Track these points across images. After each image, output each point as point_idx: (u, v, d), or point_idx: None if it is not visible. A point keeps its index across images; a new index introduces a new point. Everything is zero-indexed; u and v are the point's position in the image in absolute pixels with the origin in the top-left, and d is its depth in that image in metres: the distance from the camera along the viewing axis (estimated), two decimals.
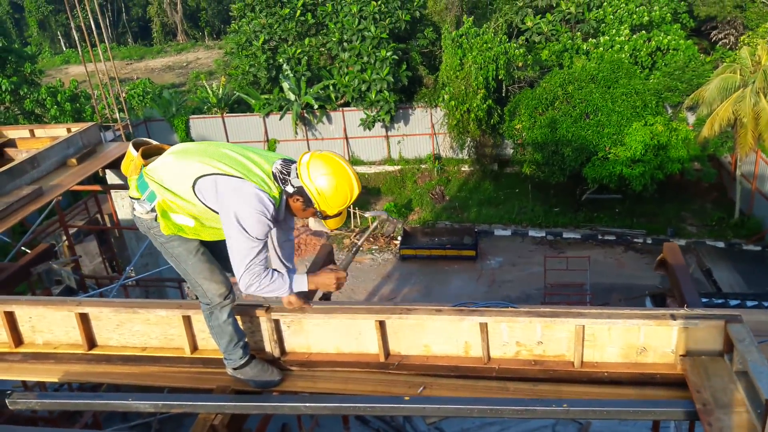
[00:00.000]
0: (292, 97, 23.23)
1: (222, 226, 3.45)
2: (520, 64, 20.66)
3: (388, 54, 21.54)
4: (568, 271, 16.74)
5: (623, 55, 20.00)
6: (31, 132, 8.56)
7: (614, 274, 17.74)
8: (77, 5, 10.65)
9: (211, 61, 38.61)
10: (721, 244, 18.41)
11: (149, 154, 3.71)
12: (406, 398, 3.58)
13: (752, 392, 3.15)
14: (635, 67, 19.87)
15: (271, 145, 24.19)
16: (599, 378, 3.66)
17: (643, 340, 3.64)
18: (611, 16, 21.52)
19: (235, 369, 3.99)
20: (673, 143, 17.55)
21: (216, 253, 3.91)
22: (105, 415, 7.57)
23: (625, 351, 3.67)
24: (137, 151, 3.68)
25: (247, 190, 3.35)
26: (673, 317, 3.54)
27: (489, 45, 20.18)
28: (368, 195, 23.21)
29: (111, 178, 8.76)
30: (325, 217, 3.53)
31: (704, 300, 9.94)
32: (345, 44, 22.35)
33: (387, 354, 4.07)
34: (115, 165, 8.23)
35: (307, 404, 3.65)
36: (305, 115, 23.67)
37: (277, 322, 4.17)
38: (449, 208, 21.50)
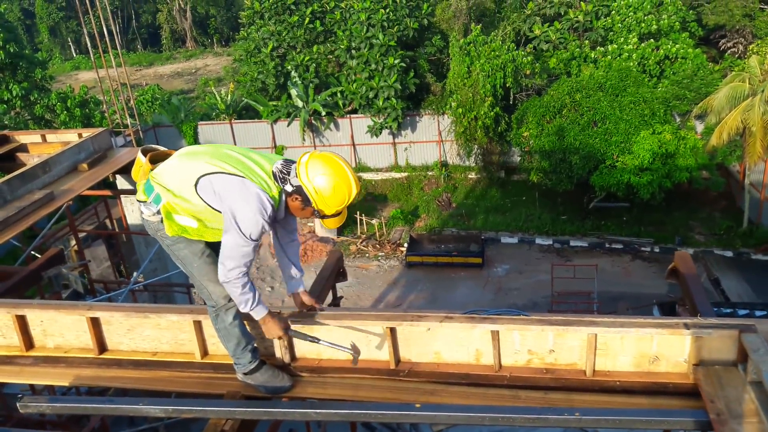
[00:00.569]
0: (300, 103, 23.31)
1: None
2: (528, 72, 20.67)
3: (396, 61, 21.60)
4: (576, 280, 16.68)
5: (631, 64, 19.99)
6: (43, 137, 8.62)
7: (622, 282, 17.67)
8: (90, 12, 10.74)
9: (220, 67, 38.84)
10: (729, 254, 18.32)
11: (157, 159, 3.78)
12: (417, 405, 3.57)
13: (766, 402, 3.13)
14: (643, 75, 19.85)
15: (279, 151, 24.27)
16: (611, 387, 3.64)
17: (656, 349, 3.62)
18: (619, 25, 21.52)
19: (245, 374, 4.00)
20: (681, 152, 17.51)
21: None
22: (112, 419, 7.57)
23: (638, 360, 3.65)
24: (145, 157, 3.75)
25: (248, 189, 3.39)
26: (687, 326, 3.52)
27: (497, 53, 20.22)
28: (375, 202, 23.23)
29: (121, 183, 8.81)
30: (323, 217, 3.55)
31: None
32: (353, 52, 22.43)
33: (397, 361, 4.06)
34: (125, 170, 8.27)
35: (318, 410, 3.64)
36: (313, 121, 23.74)
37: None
38: (456, 215, 21.48)
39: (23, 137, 8.72)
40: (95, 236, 14.36)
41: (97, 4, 10.72)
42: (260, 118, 24.41)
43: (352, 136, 24.02)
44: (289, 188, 3.48)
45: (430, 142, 23.70)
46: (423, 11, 23.12)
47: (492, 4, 24.42)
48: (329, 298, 5.81)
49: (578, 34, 22.22)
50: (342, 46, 22.58)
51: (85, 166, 7.92)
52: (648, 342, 3.58)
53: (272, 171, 3.51)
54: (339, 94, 23.31)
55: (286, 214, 3.67)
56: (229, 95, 26.28)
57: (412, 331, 3.98)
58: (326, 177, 3.40)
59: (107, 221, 12.43)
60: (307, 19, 23.67)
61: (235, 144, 24.01)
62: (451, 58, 21.53)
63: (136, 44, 50.65)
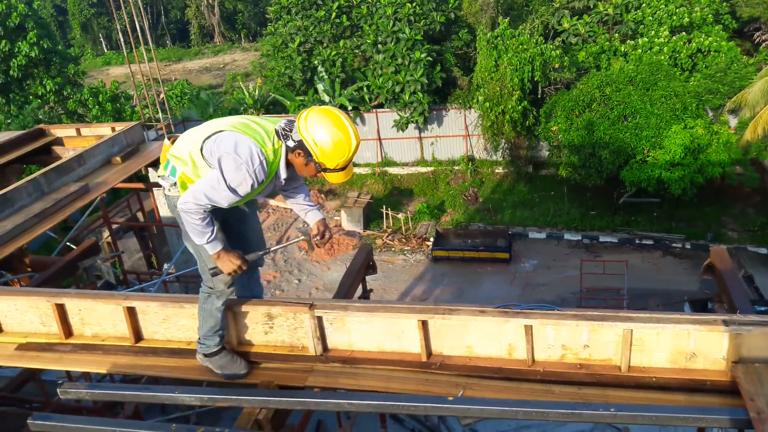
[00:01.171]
0: (326, 98, 23.38)
1: None
2: (557, 66, 20.41)
3: (423, 55, 21.51)
4: (605, 276, 16.47)
5: (662, 57, 19.61)
6: (78, 131, 8.80)
7: (652, 279, 17.40)
8: (122, 7, 10.91)
9: (248, 62, 39.12)
10: (763, 250, 17.91)
11: None
12: (450, 398, 3.57)
13: None
14: (675, 69, 19.45)
15: None
16: (647, 383, 3.60)
17: (693, 345, 3.57)
18: (650, 18, 21.12)
19: (206, 356, 4.12)
20: (713, 147, 17.14)
21: (243, 239, 4.09)
22: (145, 406, 7.73)
23: (674, 356, 3.61)
24: (170, 141, 3.90)
25: (241, 142, 3.45)
26: (725, 323, 3.46)
27: (525, 46, 20.00)
28: (401, 196, 23.22)
29: (153, 176, 8.95)
30: (326, 170, 3.57)
31: None
32: (379, 46, 22.40)
33: (429, 354, 4.07)
34: (157, 163, 8.41)
35: (351, 401, 3.66)
36: None
37: (320, 319, 4.21)
38: (482, 210, 21.35)
39: (58, 131, 8.92)
40: (126, 228, 14.60)
41: (130, 0, 10.89)
42: (287, 113, 24.52)
43: (378, 131, 24.03)
44: (291, 143, 3.53)
45: (457, 136, 23.57)
46: (450, 5, 22.96)
47: None
48: (359, 290, 5.85)
49: (608, 27, 21.86)
50: (368, 41, 22.56)
51: (118, 159, 8.07)
52: (685, 338, 3.53)
53: (275, 129, 3.58)
54: (365, 89, 23.31)
55: (290, 173, 3.72)
56: (257, 90, 26.48)
57: (444, 325, 3.99)
58: (325, 129, 3.43)
59: (139, 213, 12.65)
60: (334, 13, 23.69)
61: None
62: (479, 52, 21.37)
63: (165, 40, 51.31)
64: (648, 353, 3.64)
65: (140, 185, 9.66)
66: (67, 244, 9.45)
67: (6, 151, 8.09)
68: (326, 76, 23.34)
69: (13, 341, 4.94)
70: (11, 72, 21.91)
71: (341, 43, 23.71)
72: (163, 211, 9.85)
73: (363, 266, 5.64)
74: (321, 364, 4.22)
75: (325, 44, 24.00)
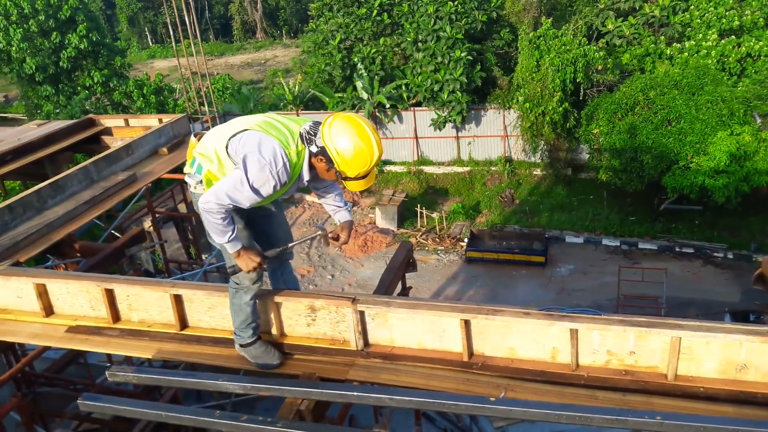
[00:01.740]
0: (365, 96, 23.46)
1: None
2: (600, 68, 20.08)
3: (463, 54, 21.40)
4: (643, 283, 16.17)
5: (710, 61, 19.10)
6: (126, 121, 9.05)
7: (691, 288, 17.01)
8: (173, 1, 11.15)
9: (288, 59, 39.50)
10: None
11: None
12: (492, 399, 3.57)
13: None
14: (722, 73, 18.93)
15: None
16: (694, 393, 3.54)
17: (744, 356, 3.49)
18: (698, 20, 20.59)
19: (241, 346, 4.23)
20: (761, 154, 16.64)
21: (269, 235, 4.15)
22: (182, 393, 7.90)
23: (724, 367, 3.53)
24: (196, 138, 3.97)
25: (265, 142, 3.46)
26: None
27: (567, 47, 19.72)
28: (436, 195, 23.17)
29: None
30: (346, 179, 3.57)
31: None
32: (419, 44, 22.36)
33: (470, 353, 4.07)
34: None
35: (393, 396, 3.68)
36: (377, 114, 23.85)
37: (362, 313, 4.24)
38: (519, 212, 21.16)
39: (108, 121, 9.17)
40: (166, 218, 14.91)
41: None
42: (326, 110, 24.69)
43: (415, 129, 24.00)
44: (314, 149, 3.53)
45: (495, 136, 23.40)
46: (492, 4, 22.79)
47: None
48: (398, 287, 5.87)
49: (653, 29, 21.40)
50: (409, 39, 22.54)
51: (165, 150, 8.26)
52: (736, 349, 3.46)
53: (300, 132, 3.58)
54: (404, 87, 23.31)
55: (314, 175, 3.73)
56: (297, 86, 26.72)
57: (487, 325, 3.98)
58: (348, 138, 3.41)
59: (181, 204, 12.90)
60: (375, 11, 23.74)
61: None
62: (520, 52, 21.15)
63: (209, 34, 52.19)
64: (696, 362, 3.57)
65: (183, 176, 9.84)
66: (111, 231, 9.71)
67: (59, 139, 8.36)
68: (365, 74, 23.41)
69: (63, 323, 5.12)
70: (61, 63, 22.60)
71: (381, 40, 23.75)
72: None
73: (403, 263, 5.66)
74: (362, 358, 4.26)
75: (365, 42, 24.08)
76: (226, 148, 3.61)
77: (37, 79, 23.04)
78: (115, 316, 4.99)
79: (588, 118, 19.46)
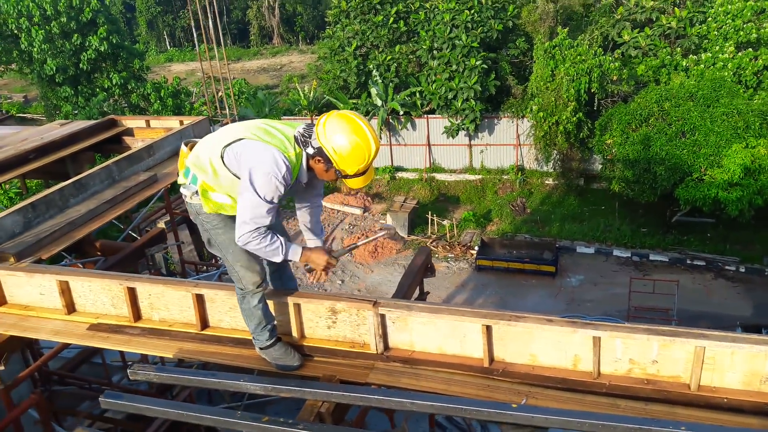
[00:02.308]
0: (379, 102, 23.54)
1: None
2: (615, 78, 20.06)
3: (478, 63, 21.46)
4: (654, 295, 16.09)
5: (726, 74, 19.02)
6: (147, 122, 9.14)
7: (702, 301, 16.91)
8: (197, 5, 11.29)
9: (304, 64, 39.73)
10: None
11: None
12: (514, 405, 3.58)
13: None
14: (739, 86, 18.85)
15: None
16: (718, 404, 3.53)
17: None
18: (715, 33, 20.53)
19: (261, 349, 4.25)
20: None
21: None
22: (195, 393, 7.94)
23: (748, 378, 3.52)
24: (187, 147, 3.96)
25: (265, 151, 3.46)
26: None
27: (583, 57, 19.72)
28: (447, 203, 23.18)
29: None
30: (346, 177, 3.58)
31: None
32: (435, 52, 22.44)
33: (491, 359, 4.08)
34: None
35: (414, 401, 3.70)
36: (390, 120, 23.94)
37: (383, 316, 4.26)
38: (530, 221, 21.13)
39: (129, 122, 9.28)
40: (180, 220, 15.00)
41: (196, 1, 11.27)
42: None
43: (428, 137, 24.06)
44: (310, 150, 3.55)
45: (507, 145, 23.40)
46: (508, 13, 22.85)
47: (580, 7, 23.80)
48: (416, 292, 5.89)
49: (670, 41, 21.35)
50: (424, 46, 22.63)
51: None
52: (761, 360, 3.45)
53: (294, 135, 3.60)
54: (418, 94, 23.39)
55: (311, 177, 3.75)
56: (312, 92, 26.86)
57: (509, 331, 3.99)
58: (344, 135, 3.43)
59: None
60: (392, 18, 23.86)
61: None
62: (535, 61, 21.18)
63: (226, 39, 52.61)
64: (720, 373, 3.57)
65: None
66: (129, 232, 9.77)
67: (81, 139, 8.46)
68: (380, 80, 23.51)
69: (85, 321, 5.17)
70: (81, 65, 22.84)
71: (397, 48, 23.86)
72: None
73: (422, 268, 5.69)
74: (381, 362, 4.27)
75: (381, 49, 24.19)
76: (222, 157, 3.59)
77: (57, 80, 23.31)
78: (137, 314, 5.04)
79: (602, 129, 19.44)
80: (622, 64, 20.51)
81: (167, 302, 4.95)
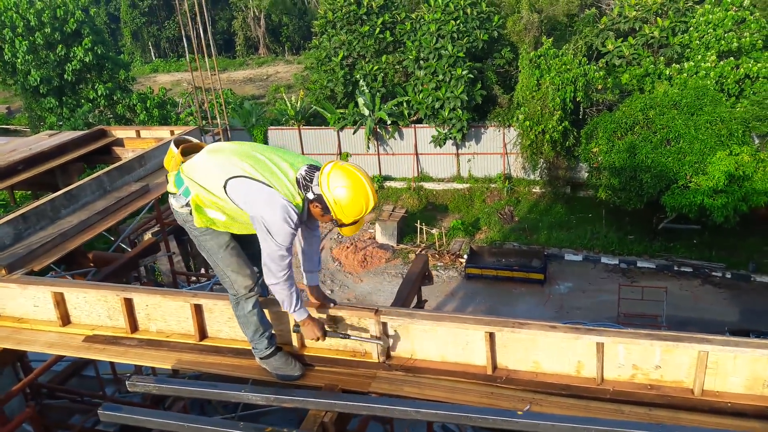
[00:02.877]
0: (366, 112, 23.60)
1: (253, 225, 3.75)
2: (600, 87, 20.30)
3: (464, 72, 21.60)
4: (643, 301, 16.22)
5: (708, 82, 19.33)
6: (137, 133, 9.07)
7: (689, 307, 17.08)
8: (188, 17, 11.27)
9: (291, 75, 39.71)
10: None
11: (189, 152, 3.99)
12: (519, 412, 3.58)
13: None
14: (721, 94, 19.17)
15: (344, 157, 24.59)
16: (721, 408, 3.56)
17: None
18: (697, 42, 20.88)
19: (261, 358, 4.24)
20: (759, 174, 16.81)
21: (247, 246, 4.16)
22: (189, 404, 7.84)
23: (750, 382, 3.56)
24: (177, 148, 3.96)
25: (276, 201, 3.59)
26: None
27: (568, 66, 19.95)
28: (435, 212, 23.22)
29: None
30: (341, 225, 3.72)
31: None
32: (421, 62, 22.57)
33: (494, 367, 4.08)
34: None
35: (419, 409, 3.69)
36: (378, 130, 23.98)
37: (384, 325, 4.25)
38: (518, 230, 21.23)
39: (119, 132, 9.20)
40: (169, 231, 14.88)
41: (196, 8, 11.24)
42: (327, 125, 24.82)
43: (416, 146, 24.13)
44: (310, 195, 3.68)
45: (495, 154, 23.54)
46: (494, 23, 23.07)
47: (564, 17, 24.09)
48: (414, 300, 5.88)
49: (653, 50, 21.68)
50: (411, 57, 22.75)
51: None
52: (764, 364, 3.48)
53: (296, 178, 3.69)
54: (405, 104, 23.47)
55: (308, 216, 3.87)
56: (299, 102, 26.85)
57: (512, 338, 4.00)
58: (345, 189, 3.57)
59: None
60: (378, 29, 23.97)
61: (303, 150, 24.58)
62: (520, 71, 21.38)
63: (212, 49, 52.45)
64: (722, 377, 3.60)
65: None
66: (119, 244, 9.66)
67: (70, 149, 8.37)
68: (367, 90, 23.57)
69: (81, 333, 5.10)
70: (65, 76, 22.64)
71: (383, 58, 23.95)
72: None
73: (420, 276, 5.69)
74: (383, 371, 4.25)
75: (367, 59, 24.27)
76: (224, 188, 3.67)
77: (41, 91, 23.08)
78: (133, 325, 4.98)
79: (587, 137, 19.64)
80: (606, 73, 20.78)
81: (165, 313, 4.90)
